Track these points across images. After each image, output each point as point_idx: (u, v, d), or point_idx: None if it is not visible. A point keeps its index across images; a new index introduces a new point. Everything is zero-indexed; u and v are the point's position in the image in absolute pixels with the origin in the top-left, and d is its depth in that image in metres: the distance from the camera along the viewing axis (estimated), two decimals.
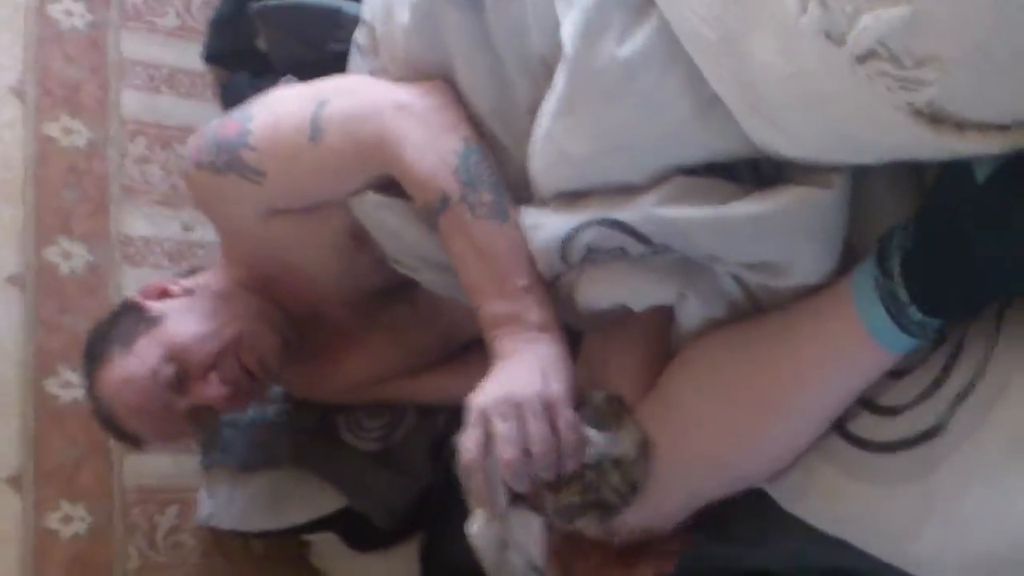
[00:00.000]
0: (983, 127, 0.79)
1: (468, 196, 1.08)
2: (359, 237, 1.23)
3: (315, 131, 1.15)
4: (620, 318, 1.10)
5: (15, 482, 1.54)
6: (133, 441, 1.35)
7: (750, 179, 1.00)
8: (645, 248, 1.00)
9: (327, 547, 1.62)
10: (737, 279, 1.02)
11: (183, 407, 1.27)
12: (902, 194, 0.97)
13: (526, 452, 0.96)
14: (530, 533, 1.03)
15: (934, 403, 0.91)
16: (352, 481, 1.50)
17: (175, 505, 1.66)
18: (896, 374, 0.95)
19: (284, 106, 1.20)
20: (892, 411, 0.95)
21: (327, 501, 1.52)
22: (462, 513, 1.29)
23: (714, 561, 1.15)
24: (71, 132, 1.68)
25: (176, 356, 1.26)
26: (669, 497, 1.07)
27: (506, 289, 1.06)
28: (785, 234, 0.95)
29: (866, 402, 0.97)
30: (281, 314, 1.34)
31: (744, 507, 1.06)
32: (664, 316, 1.08)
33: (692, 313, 1.05)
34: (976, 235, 0.84)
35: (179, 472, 1.65)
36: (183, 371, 1.26)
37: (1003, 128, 0.79)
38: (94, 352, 1.31)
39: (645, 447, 1.04)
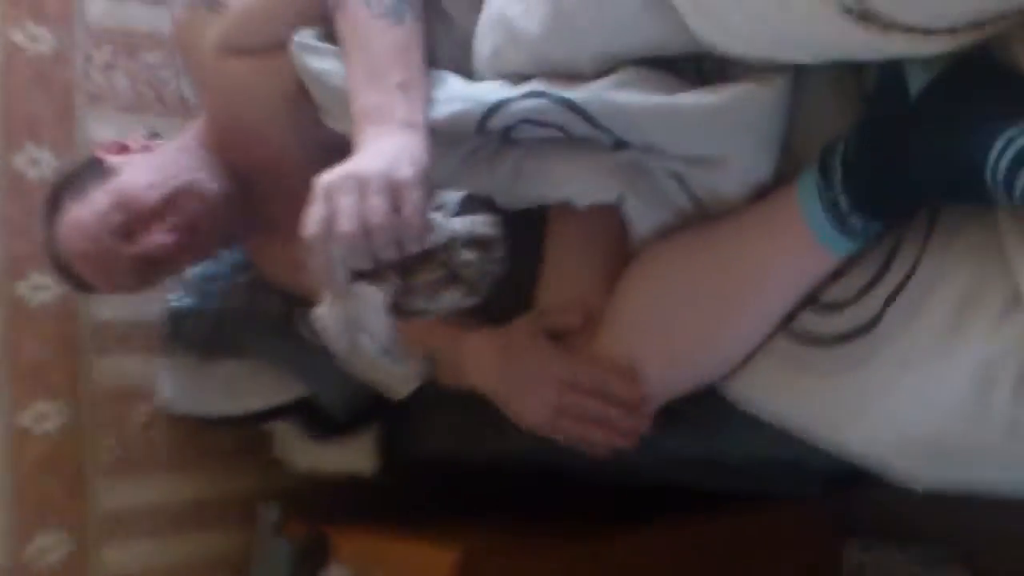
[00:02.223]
0: (909, 29, 0.83)
1: None
2: (305, 89, 1.24)
3: None
4: (582, 222, 1.14)
5: None
6: (86, 287, 1.41)
7: (694, 77, 1.03)
8: (589, 128, 1.03)
9: (288, 437, 1.68)
10: (679, 179, 1.05)
11: (127, 255, 1.31)
12: (845, 104, 1.00)
13: (365, 228, 0.94)
14: (371, 309, 0.98)
15: (871, 299, 0.96)
16: (310, 371, 1.53)
17: (145, 402, 1.69)
18: (838, 273, 0.99)
19: None
20: (834, 307, 0.99)
21: (285, 390, 1.57)
22: (420, 404, 1.34)
23: (664, 452, 1.22)
24: (36, 39, 1.67)
25: (124, 204, 1.31)
26: None
27: (381, 84, 1.06)
28: (728, 128, 0.99)
29: (811, 299, 1.01)
30: (230, 171, 1.37)
31: (693, 400, 1.11)
32: (618, 222, 1.11)
33: (640, 216, 1.08)
34: (908, 145, 0.89)
35: (149, 372, 1.68)
36: (131, 220, 1.31)
37: (927, 32, 0.83)
38: (53, 200, 1.38)
39: (499, 227, 1.03)
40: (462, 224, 1.01)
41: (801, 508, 1.79)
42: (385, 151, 0.99)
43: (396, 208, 0.95)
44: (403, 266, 0.99)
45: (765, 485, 1.44)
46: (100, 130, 1.72)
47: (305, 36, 1.19)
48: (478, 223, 1.01)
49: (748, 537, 1.70)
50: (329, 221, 0.94)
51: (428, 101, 1.07)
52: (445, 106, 1.08)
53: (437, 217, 1.00)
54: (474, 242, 1.01)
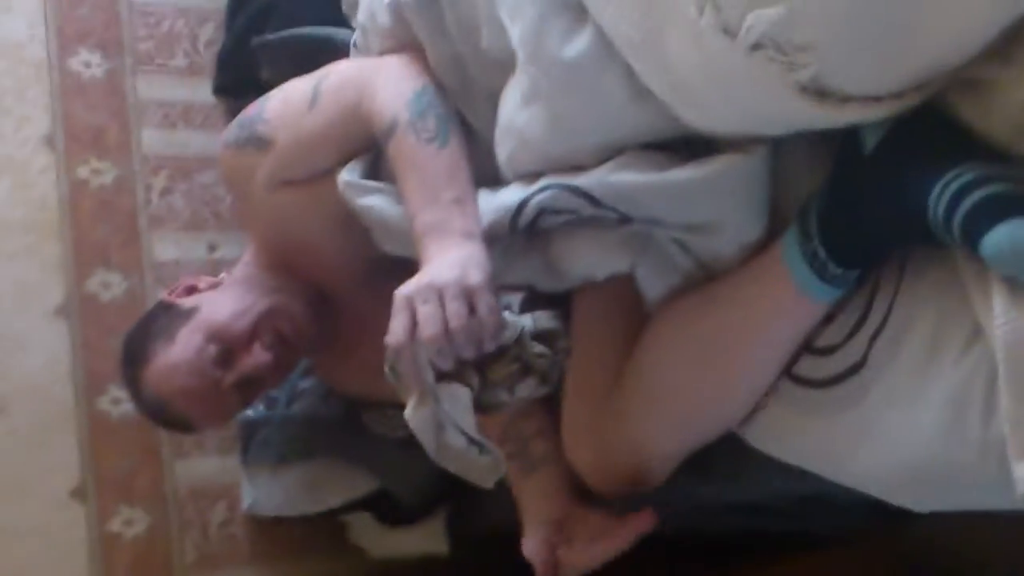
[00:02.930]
0: (860, 99, 0.92)
1: (415, 123, 1.20)
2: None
3: (314, 98, 1.31)
4: (604, 296, 1.23)
5: (79, 493, 1.70)
6: (184, 428, 1.45)
7: (685, 154, 1.12)
8: (595, 209, 1.12)
9: (362, 525, 1.76)
10: (682, 245, 1.13)
11: (230, 382, 1.37)
12: (820, 162, 1.07)
13: (447, 331, 1.03)
14: (459, 406, 1.07)
15: (858, 341, 1.03)
16: (381, 464, 1.62)
17: (224, 500, 1.80)
18: (828, 318, 1.06)
19: (294, 85, 1.37)
20: (827, 351, 1.06)
21: (359, 485, 1.66)
22: (482, 489, 1.41)
23: (697, 499, 1.29)
24: (99, 172, 1.83)
25: (217, 335, 1.36)
26: (660, 450, 1.20)
27: (437, 202, 1.15)
28: (716, 196, 1.07)
29: (807, 345, 1.08)
30: (302, 284, 1.43)
31: (722, 448, 1.19)
32: (636, 292, 1.19)
33: (651, 283, 1.17)
34: (866, 197, 0.97)
35: (225, 471, 1.79)
36: (227, 348, 1.37)
37: (877, 99, 0.92)
38: (134, 354, 1.42)
39: (559, 320, 1.14)
40: (529, 320, 1.12)
41: (859, 550, 1.77)
42: (453, 261, 1.08)
43: (472, 311, 1.04)
44: (480, 364, 1.09)
45: (809, 524, 1.48)
46: (164, 250, 1.87)
47: (350, 174, 1.28)
48: (542, 318, 1.13)
49: None
50: (413, 328, 1.04)
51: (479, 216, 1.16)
52: (483, 219, 1.17)
53: (507, 315, 1.09)
54: (541, 335, 1.12)
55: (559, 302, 1.21)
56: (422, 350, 1.04)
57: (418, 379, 1.05)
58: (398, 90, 1.24)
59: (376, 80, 1.27)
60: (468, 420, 1.08)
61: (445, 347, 1.03)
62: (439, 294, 1.04)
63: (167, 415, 1.42)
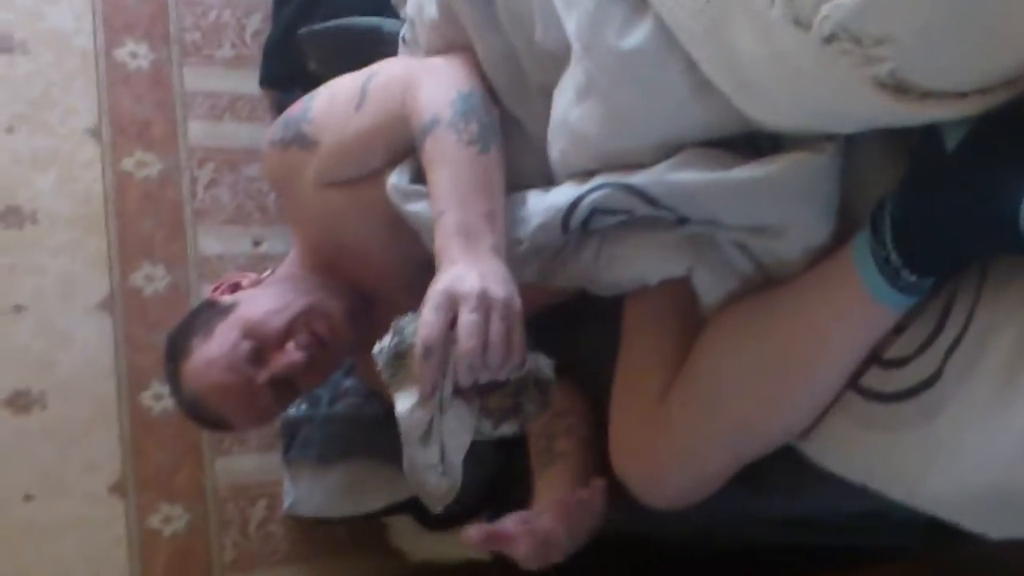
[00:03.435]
0: (941, 95, 0.86)
1: (457, 123, 1.16)
2: None
3: (362, 98, 1.27)
4: (658, 296, 1.18)
5: (119, 488, 1.69)
6: (221, 426, 1.43)
7: (750, 152, 1.07)
8: (652, 209, 1.08)
9: (404, 528, 1.74)
10: (742, 248, 1.09)
11: (264, 379, 1.34)
12: (895, 162, 1.02)
13: (485, 346, 1.00)
14: (462, 426, 1.04)
15: (932, 353, 0.97)
16: None
17: (264, 499, 1.79)
18: (899, 329, 1.01)
19: (340, 84, 1.33)
20: (898, 363, 1.01)
21: (402, 487, 1.59)
22: (521, 495, 1.38)
23: (748, 512, 1.24)
24: (144, 165, 1.81)
25: (252, 332, 1.34)
26: (714, 461, 1.14)
27: (469, 209, 1.11)
28: (782, 197, 1.02)
29: (875, 357, 1.03)
30: (345, 285, 1.41)
31: (778, 461, 1.13)
32: (691, 295, 1.15)
33: (708, 287, 1.12)
34: (948, 200, 0.91)
35: (265, 469, 1.78)
36: (260, 346, 1.34)
37: (961, 95, 0.86)
38: (175, 349, 1.40)
39: (554, 373, 1.10)
40: (546, 364, 1.09)
41: (908, 567, 1.74)
42: (499, 276, 1.05)
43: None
44: (482, 389, 1.05)
45: (861, 540, 1.43)
46: (208, 243, 1.85)
47: (399, 177, 1.24)
48: (544, 366, 1.09)
49: None
50: (449, 329, 1.00)
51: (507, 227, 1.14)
52: (533, 220, 1.14)
53: (528, 353, 1.06)
54: (540, 381, 1.09)
55: (558, 351, 1.15)
56: (453, 357, 1.00)
57: (434, 382, 1.01)
58: (443, 89, 1.20)
59: (423, 78, 1.23)
60: (463, 441, 1.05)
61: (477, 363, 1.00)
62: (488, 306, 1.01)
63: (202, 411, 1.40)
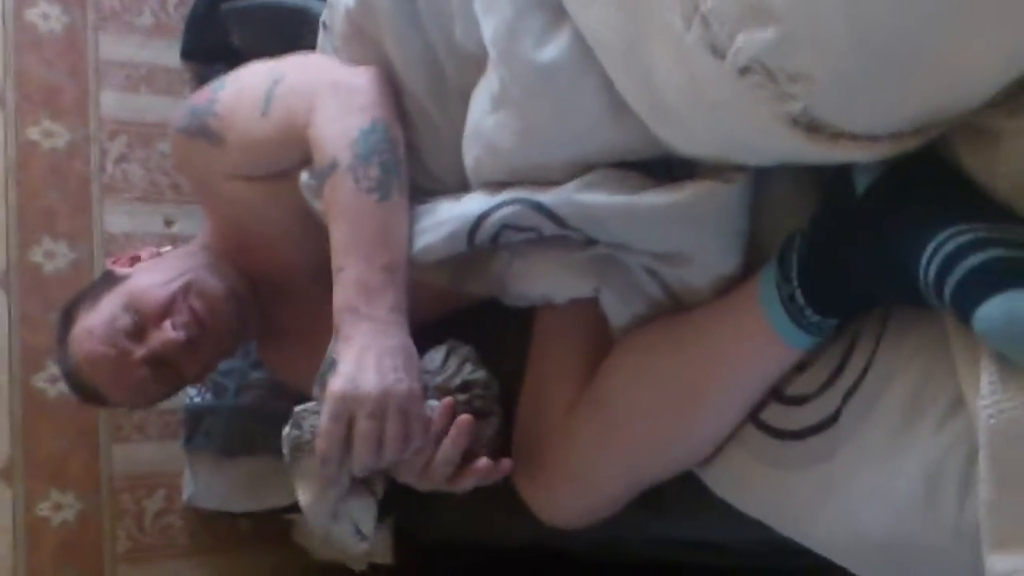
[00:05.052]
0: (853, 137, 0.84)
1: (356, 167, 1.13)
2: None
3: (266, 105, 1.24)
4: (566, 314, 1.17)
5: (6, 473, 1.62)
6: (98, 400, 1.41)
7: (664, 176, 1.05)
8: (559, 229, 1.06)
9: (306, 526, 1.69)
10: (651, 273, 1.07)
11: (139, 356, 1.32)
12: (807, 197, 1.01)
13: (380, 450, 1.04)
14: (365, 514, 1.12)
15: (832, 394, 0.96)
16: None
17: (162, 489, 1.74)
18: (801, 366, 1.00)
19: (248, 80, 1.30)
20: (798, 400, 1.00)
21: None
22: (428, 497, 1.36)
23: (651, 534, 1.23)
24: (52, 134, 1.74)
25: (132, 305, 1.32)
26: (612, 483, 1.14)
27: (368, 262, 1.11)
28: (689, 224, 1.01)
29: (776, 392, 1.02)
30: (236, 272, 1.39)
31: (679, 485, 1.13)
32: (599, 315, 1.13)
33: (615, 309, 1.11)
34: (851, 245, 0.90)
35: (165, 458, 1.72)
36: (141, 321, 1.32)
37: (873, 139, 0.84)
38: (65, 318, 1.39)
39: (480, 364, 1.16)
40: (449, 378, 1.14)
41: None
42: (388, 362, 1.06)
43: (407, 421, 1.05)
44: None
45: (771, 563, 1.43)
46: (116, 220, 1.78)
47: (311, 177, 1.21)
48: (464, 372, 1.14)
49: None
50: (345, 441, 1.04)
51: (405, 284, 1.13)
52: (440, 230, 1.12)
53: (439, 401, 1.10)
54: (467, 384, 1.14)
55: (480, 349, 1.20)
56: (355, 466, 1.06)
57: (333, 481, 1.09)
58: (345, 125, 1.17)
59: (327, 103, 1.19)
60: (371, 513, 1.14)
61: (372, 463, 1.05)
62: (384, 408, 1.04)
63: (79, 383, 1.39)
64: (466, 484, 1.11)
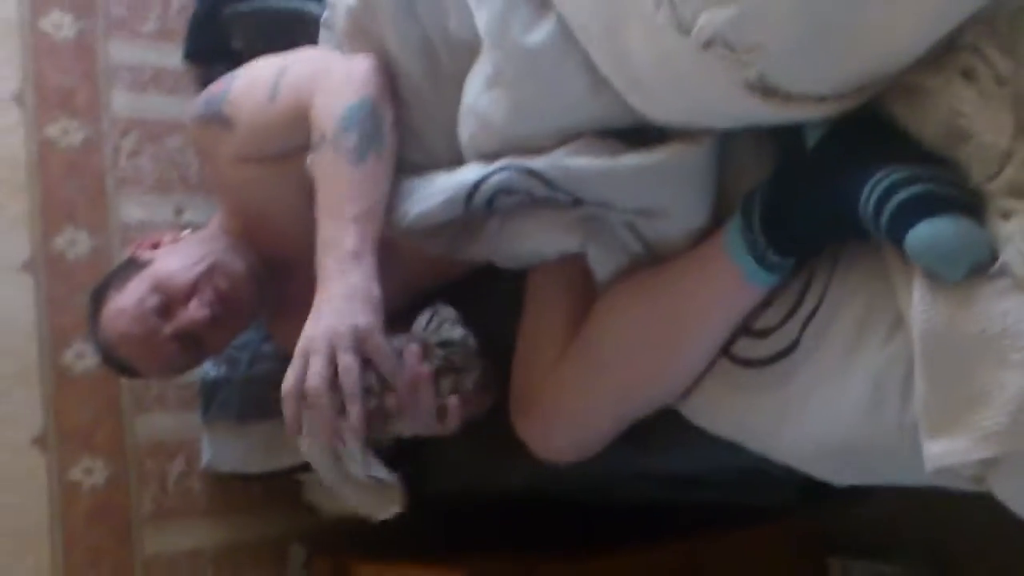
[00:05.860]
0: (803, 98, 0.98)
1: (337, 139, 1.25)
2: None
3: (274, 91, 1.36)
4: (556, 272, 1.29)
5: (40, 442, 1.74)
6: (131, 373, 1.53)
7: (639, 143, 1.17)
8: (549, 191, 1.18)
9: (316, 484, 1.79)
10: (631, 228, 1.19)
11: (168, 333, 1.43)
12: (767, 156, 1.14)
13: (334, 384, 1.14)
14: (370, 460, 1.20)
15: (792, 325, 1.10)
16: None
17: (182, 455, 1.86)
18: (766, 303, 1.13)
19: (259, 70, 1.42)
20: (764, 333, 1.13)
21: None
22: (435, 450, 1.47)
23: (637, 468, 1.36)
24: (68, 132, 1.85)
25: (159, 287, 1.43)
26: (600, 418, 1.26)
27: (337, 217, 1.22)
28: (664, 182, 1.13)
29: (745, 327, 1.15)
30: (254, 252, 1.50)
31: (659, 421, 1.25)
32: (586, 270, 1.25)
33: (600, 263, 1.23)
34: (805, 192, 1.04)
35: (185, 426, 1.85)
36: (167, 300, 1.43)
37: (820, 99, 0.98)
38: (96, 299, 1.50)
39: (461, 325, 1.26)
40: (429, 336, 1.24)
41: (784, 527, 1.84)
42: (341, 305, 1.17)
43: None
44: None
45: (744, 497, 1.55)
46: (130, 211, 1.90)
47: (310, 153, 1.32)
48: (443, 331, 1.25)
49: (732, 557, 1.76)
50: (303, 379, 1.14)
51: (379, 231, 1.23)
52: (436, 197, 1.24)
53: (412, 345, 1.20)
54: (445, 342, 1.24)
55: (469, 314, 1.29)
56: (308, 404, 1.14)
57: (299, 422, 1.17)
58: (334, 103, 1.28)
59: (324, 85, 1.31)
60: (359, 461, 1.19)
61: (326, 400, 1.13)
62: (330, 347, 1.14)
63: (113, 358, 1.50)
64: (452, 423, 1.22)
